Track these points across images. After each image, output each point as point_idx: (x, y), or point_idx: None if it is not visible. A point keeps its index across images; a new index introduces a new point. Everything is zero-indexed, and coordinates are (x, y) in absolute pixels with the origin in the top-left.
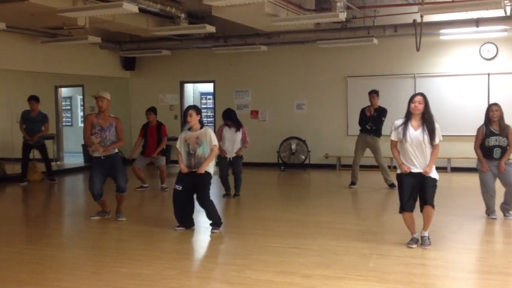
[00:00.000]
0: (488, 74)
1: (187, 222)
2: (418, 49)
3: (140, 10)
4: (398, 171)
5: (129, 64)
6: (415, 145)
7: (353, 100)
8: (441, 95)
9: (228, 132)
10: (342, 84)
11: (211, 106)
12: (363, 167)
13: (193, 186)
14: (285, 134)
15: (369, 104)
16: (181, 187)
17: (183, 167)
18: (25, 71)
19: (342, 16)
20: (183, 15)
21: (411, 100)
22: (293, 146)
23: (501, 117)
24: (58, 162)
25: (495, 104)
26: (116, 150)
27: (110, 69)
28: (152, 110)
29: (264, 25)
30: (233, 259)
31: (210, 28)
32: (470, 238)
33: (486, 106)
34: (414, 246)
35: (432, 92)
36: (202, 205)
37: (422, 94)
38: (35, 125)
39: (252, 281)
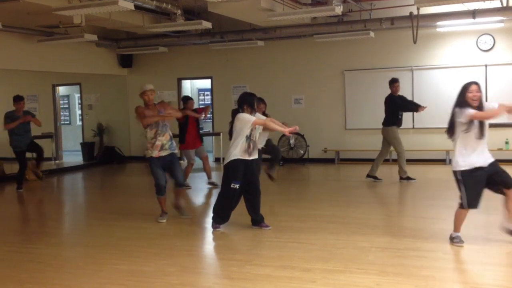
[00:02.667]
0: (486, 66)
1: (258, 220)
2: (415, 42)
3: (136, 7)
4: (461, 168)
5: (126, 61)
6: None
7: (351, 94)
8: (438, 87)
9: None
10: (340, 78)
11: (209, 102)
12: (365, 160)
13: (245, 177)
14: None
15: (395, 93)
16: (239, 185)
17: None
18: (22, 70)
19: (339, 9)
20: (179, 12)
21: (466, 89)
22: (292, 141)
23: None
24: (57, 161)
25: (475, 83)
26: (175, 150)
27: (107, 66)
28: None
29: (260, 20)
30: (233, 254)
31: (207, 24)
32: (470, 230)
33: (484, 97)
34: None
35: (430, 84)
36: (256, 196)
37: (477, 83)
38: (22, 124)
39: (252, 276)
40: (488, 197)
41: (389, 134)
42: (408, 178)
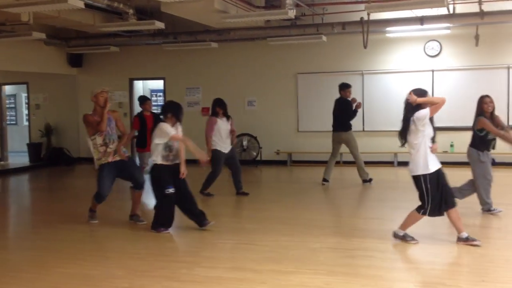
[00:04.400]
0: (433, 71)
1: (200, 220)
2: (365, 47)
3: (87, 5)
4: (430, 171)
5: (76, 61)
6: None
7: (303, 97)
8: (388, 91)
9: (222, 123)
10: (293, 80)
11: (161, 103)
12: (317, 162)
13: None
14: (236, 131)
15: (338, 97)
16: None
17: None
18: None
19: (292, 13)
20: (131, 11)
21: (483, 101)
22: (245, 143)
23: (493, 109)
24: (2, 162)
25: (488, 96)
26: (127, 153)
27: (56, 66)
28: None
29: (214, 22)
30: (183, 256)
31: (159, 25)
32: (417, 230)
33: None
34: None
35: (379, 88)
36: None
37: (489, 96)
38: None
39: (202, 278)
40: None
41: (352, 137)
42: (366, 181)
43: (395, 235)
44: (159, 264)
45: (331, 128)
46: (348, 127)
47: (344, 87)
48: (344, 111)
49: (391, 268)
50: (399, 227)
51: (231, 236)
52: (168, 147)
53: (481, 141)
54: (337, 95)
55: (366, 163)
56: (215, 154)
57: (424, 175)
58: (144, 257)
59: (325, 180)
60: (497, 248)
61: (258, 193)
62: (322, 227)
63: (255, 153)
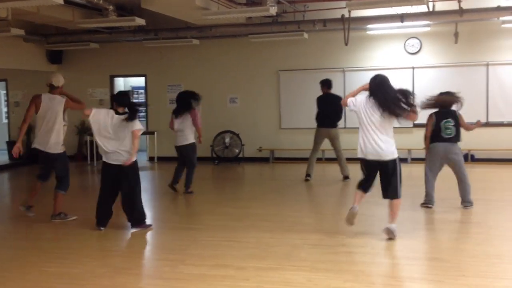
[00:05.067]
0: (413, 68)
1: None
2: (346, 44)
3: (66, 1)
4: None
5: (55, 57)
6: None
7: (285, 94)
8: None
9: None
10: (274, 77)
11: (142, 100)
12: (299, 159)
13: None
14: (218, 128)
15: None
16: None
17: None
18: None
19: (273, 10)
20: (111, 7)
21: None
22: (227, 140)
23: None
24: None
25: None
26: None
27: (35, 62)
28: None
29: (195, 19)
30: (166, 254)
31: (140, 21)
32: (398, 226)
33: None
34: None
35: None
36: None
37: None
38: None
39: (185, 276)
40: (414, 195)
41: (338, 134)
42: (347, 177)
43: (388, 231)
44: (141, 262)
45: (313, 125)
46: (337, 123)
47: (327, 83)
48: (339, 107)
49: (372, 263)
50: (389, 221)
51: (214, 233)
52: None
53: None
54: (319, 92)
55: (347, 159)
56: (195, 147)
57: (397, 159)
58: (127, 254)
59: (308, 175)
60: (477, 243)
61: (240, 190)
62: (304, 224)
63: (237, 150)
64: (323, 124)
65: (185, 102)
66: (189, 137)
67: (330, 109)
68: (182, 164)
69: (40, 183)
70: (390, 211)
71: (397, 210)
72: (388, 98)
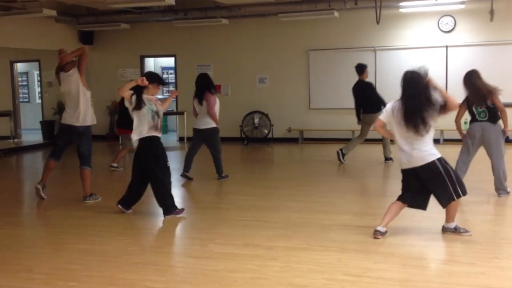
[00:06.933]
0: (446, 47)
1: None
2: (378, 22)
3: None
4: None
5: (87, 38)
6: None
7: (315, 74)
8: (400, 67)
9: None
10: (304, 57)
11: (172, 81)
12: (328, 140)
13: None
14: (247, 108)
15: (360, 79)
16: None
17: None
18: None
19: None
20: None
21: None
22: (256, 120)
23: None
24: (16, 139)
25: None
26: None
27: (67, 43)
28: None
29: None
30: (196, 233)
31: (170, 1)
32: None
33: (444, 78)
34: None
35: (392, 65)
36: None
37: None
38: None
39: (215, 254)
40: None
41: (372, 120)
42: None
43: (445, 230)
44: (172, 240)
45: (343, 105)
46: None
47: (362, 68)
48: (375, 92)
49: (403, 245)
50: (446, 221)
51: (243, 213)
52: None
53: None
54: (349, 72)
55: (380, 141)
56: (218, 132)
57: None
58: (157, 233)
59: (343, 155)
60: (510, 225)
61: (269, 171)
62: (334, 205)
63: (266, 131)
64: (367, 110)
65: (204, 84)
66: (211, 121)
67: (369, 94)
68: (194, 148)
69: (53, 161)
70: (446, 211)
71: (455, 210)
72: (415, 110)
